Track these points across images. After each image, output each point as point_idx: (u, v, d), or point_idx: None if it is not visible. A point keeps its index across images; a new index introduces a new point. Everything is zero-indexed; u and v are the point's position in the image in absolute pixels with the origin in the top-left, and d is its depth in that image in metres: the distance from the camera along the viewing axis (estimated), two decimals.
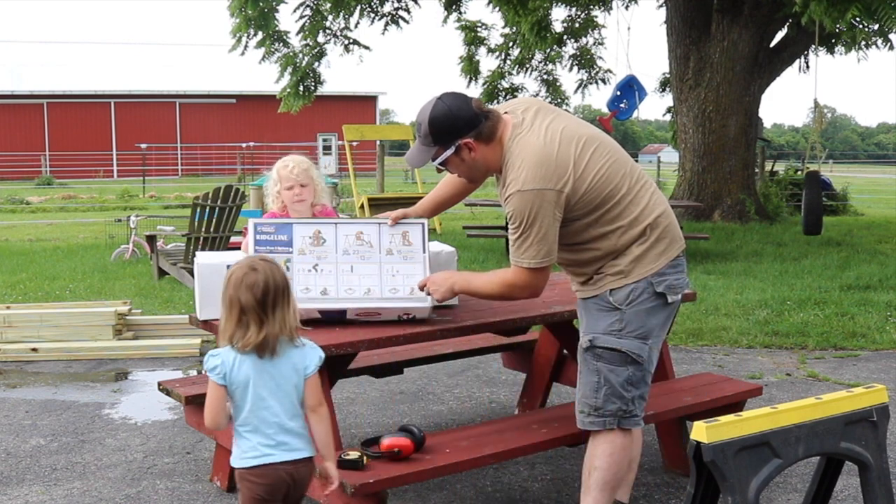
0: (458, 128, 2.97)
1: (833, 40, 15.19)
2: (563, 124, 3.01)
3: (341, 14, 14.87)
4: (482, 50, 16.90)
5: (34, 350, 6.30)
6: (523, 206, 2.90)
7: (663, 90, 18.46)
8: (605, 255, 3.02)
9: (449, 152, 3.01)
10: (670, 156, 43.95)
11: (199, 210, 8.98)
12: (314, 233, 3.34)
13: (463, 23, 16.57)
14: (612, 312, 3.01)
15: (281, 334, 2.57)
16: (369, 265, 3.34)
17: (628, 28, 40.00)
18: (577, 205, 2.95)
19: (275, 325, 2.55)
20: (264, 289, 2.54)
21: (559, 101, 17.21)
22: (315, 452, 2.65)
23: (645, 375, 3.06)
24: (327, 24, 15.03)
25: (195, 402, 3.79)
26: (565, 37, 16.75)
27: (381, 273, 3.34)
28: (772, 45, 15.08)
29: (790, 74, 38.51)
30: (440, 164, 3.07)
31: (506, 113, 3.06)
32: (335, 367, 3.44)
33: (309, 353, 2.65)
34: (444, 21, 16.42)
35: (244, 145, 35.62)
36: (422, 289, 3.27)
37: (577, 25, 16.70)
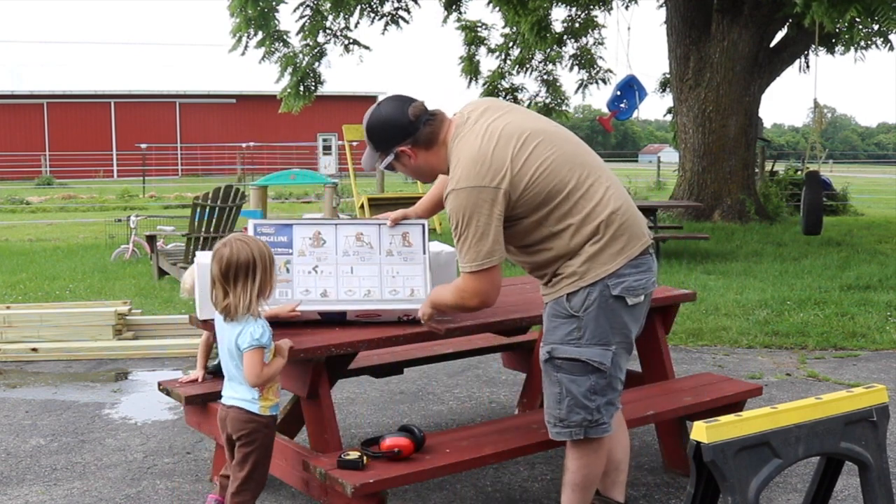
0: (391, 136, 2.99)
1: (833, 40, 15.20)
2: (506, 121, 2.94)
3: (341, 14, 14.88)
4: (482, 50, 16.90)
5: (34, 350, 6.30)
6: (458, 205, 2.85)
7: (663, 90, 18.48)
8: (559, 257, 2.94)
9: (389, 158, 3.03)
10: (670, 156, 43.98)
11: (199, 210, 8.99)
12: (314, 234, 3.33)
13: (463, 23, 16.57)
14: (569, 320, 2.93)
15: (239, 305, 2.94)
16: (369, 266, 3.33)
17: (628, 28, 40.08)
18: (521, 201, 2.87)
19: (236, 296, 2.94)
20: (227, 264, 2.95)
21: (559, 101, 17.20)
22: (251, 410, 3.03)
23: (611, 381, 2.97)
24: (327, 24, 15.04)
25: (195, 402, 3.79)
26: (565, 37, 16.75)
27: (381, 274, 3.33)
28: (772, 45, 15.09)
29: (790, 74, 38.47)
30: (385, 168, 3.09)
31: (456, 114, 3.05)
32: (335, 367, 3.44)
33: (244, 330, 2.95)
34: (444, 21, 16.43)
35: (244, 145, 35.65)
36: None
37: (577, 25, 16.70)
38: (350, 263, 3.32)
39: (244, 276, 2.95)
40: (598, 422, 2.98)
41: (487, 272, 2.88)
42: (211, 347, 4.01)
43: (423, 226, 3.42)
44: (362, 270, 3.33)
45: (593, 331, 2.91)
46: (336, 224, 3.40)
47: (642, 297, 2.99)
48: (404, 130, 2.97)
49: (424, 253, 3.36)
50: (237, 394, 3.06)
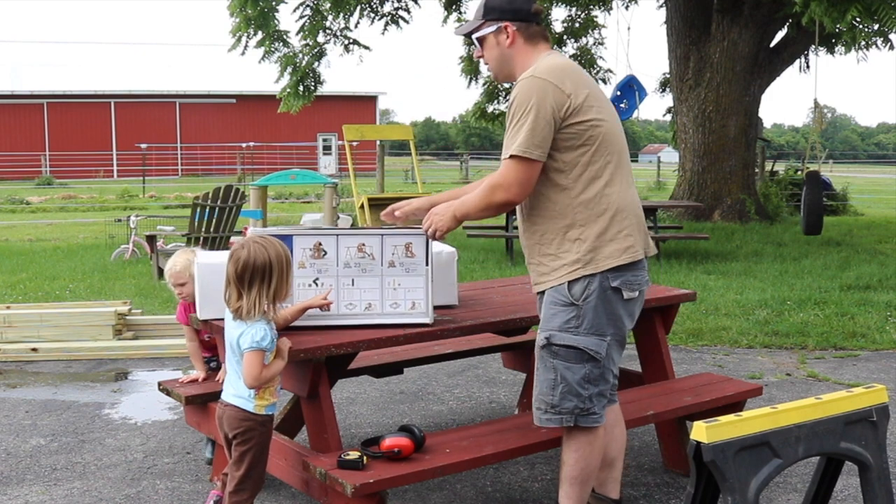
0: (508, 10, 3.08)
1: (833, 40, 15.19)
2: (591, 80, 3.09)
3: (341, 14, 14.87)
4: None
5: (34, 350, 6.30)
6: (530, 89, 2.92)
7: (663, 90, 18.47)
8: (554, 218, 2.98)
9: (490, 29, 3.10)
10: (670, 156, 43.97)
11: (199, 210, 9.00)
12: (315, 245, 3.26)
13: (463, 23, 16.55)
14: (568, 308, 2.98)
15: (252, 308, 2.94)
16: (371, 278, 3.29)
17: (628, 28, 40.06)
18: (568, 129, 2.93)
19: (250, 299, 2.94)
20: (243, 266, 2.94)
21: None
22: (246, 408, 3.03)
23: (604, 373, 3.02)
24: (327, 24, 15.04)
25: (195, 402, 3.79)
26: (565, 37, 16.74)
27: (383, 286, 3.29)
28: (772, 45, 15.09)
29: (790, 74, 38.51)
30: (478, 38, 3.14)
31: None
32: (335, 367, 3.44)
33: (246, 330, 2.95)
34: (444, 21, 16.42)
35: (244, 145, 35.63)
36: (427, 233, 3.20)
37: (577, 25, 16.69)
38: (351, 275, 3.27)
39: (260, 279, 2.94)
40: (588, 411, 3.01)
41: (528, 164, 2.92)
42: (200, 352, 4.07)
43: (427, 236, 3.33)
44: (364, 283, 3.28)
45: (591, 320, 2.97)
46: (337, 234, 3.31)
47: (637, 293, 3.05)
48: (522, 12, 3.08)
49: (427, 264, 3.31)
50: (234, 390, 3.07)
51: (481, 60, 3.25)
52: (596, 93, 3.02)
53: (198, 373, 4.05)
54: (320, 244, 3.27)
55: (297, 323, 3.24)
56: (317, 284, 3.26)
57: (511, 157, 2.92)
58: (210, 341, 4.11)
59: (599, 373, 3.01)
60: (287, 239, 3.24)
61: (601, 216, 2.96)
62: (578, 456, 3.07)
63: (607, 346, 3.00)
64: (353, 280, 3.28)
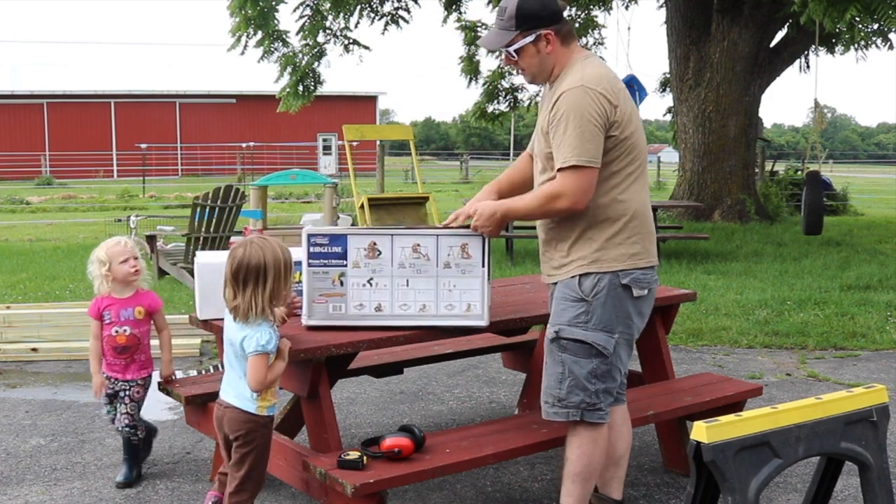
0: (543, 17, 3.03)
1: (833, 40, 15.19)
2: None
3: (341, 14, 14.87)
4: (482, 50, 16.90)
5: (34, 350, 6.30)
6: (576, 99, 2.91)
7: (663, 90, 18.49)
8: (573, 219, 3.01)
9: (528, 40, 3.05)
10: (670, 156, 43.93)
11: (199, 210, 8.98)
12: (369, 245, 3.18)
13: (463, 23, 16.55)
14: (578, 303, 3.02)
15: (249, 310, 2.91)
16: (425, 279, 3.21)
17: (628, 28, 39.98)
18: (606, 141, 2.95)
19: (245, 299, 2.91)
20: (237, 266, 2.92)
21: None
22: (248, 409, 3.01)
23: (611, 370, 3.05)
24: (327, 24, 15.03)
25: (195, 402, 3.79)
26: None
27: (438, 288, 3.22)
28: (772, 45, 15.10)
29: (790, 74, 38.50)
30: (515, 50, 3.07)
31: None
32: (335, 367, 3.44)
33: (251, 334, 2.93)
34: (444, 21, 16.41)
35: (244, 145, 35.62)
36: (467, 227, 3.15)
37: (577, 25, 16.70)
38: (406, 276, 3.20)
39: (254, 280, 2.92)
40: (595, 406, 3.03)
41: (588, 171, 2.92)
42: (101, 355, 3.93)
43: (484, 238, 3.22)
44: (418, 283, 3.21)
45: (600, 316, 3.00)
46: (392, 234, 3.21)
47: (646, 291, 3.08)
48: (556, 16, 3.05)
49: (483, 266, 3.22)
50: (235, 391, 3.06)
51: (511, 67, 3.21)
52: (630, 103, 3.04)
53: (95, 379, 3.91)
54: (374, 244, 3.19)
55: (340, 322, 3.20)
56: (371, 284, 3.20)
57: (572, 166, 2.91)
58: (128, 355, 3.99)
59: (606, 369, 3.03)
60: (341, 239, 3.18)
61: (616, 221, 3.01)
62: (581, 452, 3.08)
63: (615, 343, 3.03)
64: (407, 281, 3.20)
